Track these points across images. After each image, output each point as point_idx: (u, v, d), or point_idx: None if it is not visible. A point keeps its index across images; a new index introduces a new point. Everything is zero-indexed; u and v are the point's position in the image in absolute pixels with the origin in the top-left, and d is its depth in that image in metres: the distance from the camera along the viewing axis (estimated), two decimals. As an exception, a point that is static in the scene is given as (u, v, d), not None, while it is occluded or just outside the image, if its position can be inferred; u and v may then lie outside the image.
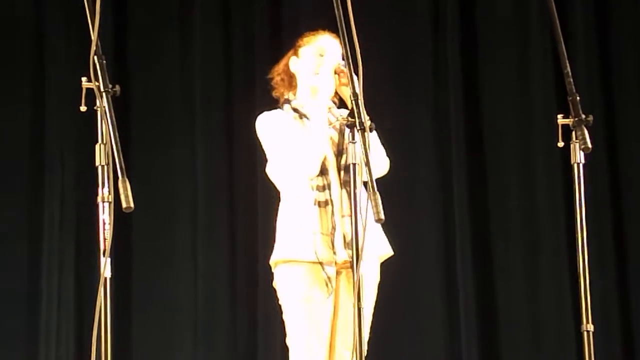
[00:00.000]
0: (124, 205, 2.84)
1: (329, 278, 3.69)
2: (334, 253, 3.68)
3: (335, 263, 3.71)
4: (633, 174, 5.56)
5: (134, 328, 5.50)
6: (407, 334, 5.49)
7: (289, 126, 3.78)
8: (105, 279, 2.89)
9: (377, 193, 3.10)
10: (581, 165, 3.33)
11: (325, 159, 3.73)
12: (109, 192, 2.92)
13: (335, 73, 3.75)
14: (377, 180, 3.53)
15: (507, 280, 5.55)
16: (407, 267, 5.42)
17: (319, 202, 3.70)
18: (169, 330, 5.54)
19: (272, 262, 3.80)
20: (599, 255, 5.32)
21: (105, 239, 2.91)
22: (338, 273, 3.75)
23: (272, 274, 3.80)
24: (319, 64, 3.80)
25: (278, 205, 3.86)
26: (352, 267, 3.61)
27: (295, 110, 3.81)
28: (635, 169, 5.56)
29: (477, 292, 5.51)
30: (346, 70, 3.60)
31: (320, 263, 3.68)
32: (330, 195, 3.70)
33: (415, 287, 5.52)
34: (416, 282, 5.52)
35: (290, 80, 3.89)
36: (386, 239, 3.81)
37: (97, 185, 2.94)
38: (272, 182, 3.89)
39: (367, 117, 3.46)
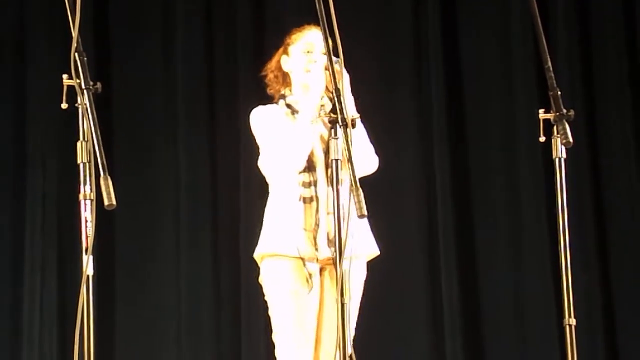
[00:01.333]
0: (106, 202, 2.83)
1: (309, 274, 3.69)
2: (316, 250, 3.69)
3: (317, 260, 3.71)
4: (614, 169, 5.58)
5: (117, 327, 5.49)
6: (391, 330, 5.50)
7: (280, 121, 3.79)
8: (88, 276, 2.88)
9: (360, 189, 3.11)
10: (562, 160, 3.33)
11: (313, 155, 3.74)
12: (91, 189, 2.91)
13: (326, 69, 3.75)
14: (363, 177, 3.56)
15: (491, 275, 5.56)
16: (391, 263, 5.40)
17: (304, 198, 3.71)
18: (152, 329, 5.53)
19: (256, 255, 3.80)
20: (581, 249, 5.34)
21: (87, 237, 2.90)
22: (322, 269, 3.76)
23: (257, 269, 3.79)
24: (308, 61, 3.82)
25: (261, 204, 3.86)
26: (334, 263, 3.65)
27: (288, 106, 3.83)
28: (616, 163, 5.58)
29: (460, 288, 5.52)
30: (338, 67, 3.62)
31: (302, 259, 3.69)
32: (316, 192, 3.71)
33: (398, 283, 5.52)
34: (400, 278, 5.52)
35: (285, 77, 3.91)
36: (373, 239, 3.82)
37: (79, 183, 2.93)
38: (255, 179, 3.89)
39: (352, 113, 3.49)
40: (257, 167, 3.84)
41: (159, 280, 5.56)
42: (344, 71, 3.62)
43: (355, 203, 3.09)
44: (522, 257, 5.55)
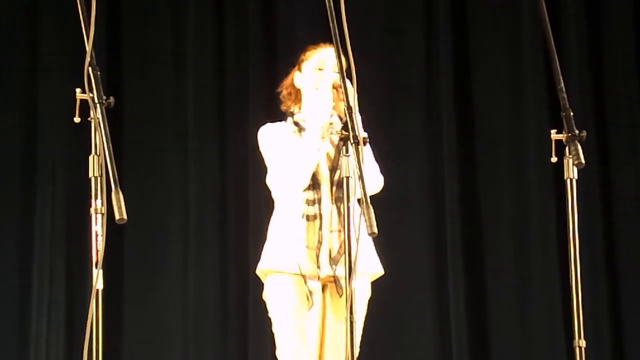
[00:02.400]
0: (117, 217, 2.83)
1: (310, 292, 3.69)
2: (318, 267, 3.68)
3: (319, 277, 3.70)
4: (625, 190, 5.57)
5: (125, 340, 5.49)
6: (398, 348, 5.48)
7: (286, 138, 3.80)
8: (97, 290, 2.87)
9: (371, 207, 3.10)
10: (574, 181, 3.33)
11: (318, 173, 3.74)
12: (102, 203, 2.91)
13: (334, 87, 3.75)
14: (370, 196, 3.55)
15: (499, 294, 5.54)
16: (399, 281, 5.41)
17: (307, 216, 3.71)
18: (160, 343, 5.52)
19: (258, 271, 3.81)
20: (591, 270, 5.33)
21: (97, 251, 2.90)
22: (324, 287, 3.76)
23: (262, 285, 3.79)
24: (318, 79, 3.84)
25: (269, 217, 3.86)
26: (337, 282, 3.64)
27: (296, 123, 3.84)
28: (626, 184, 5.57)
29: (468, 307, 5.51)
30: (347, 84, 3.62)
31: (303, 276, 3.68)
32: (319, 210, 3.71)
33: (406, 302, 5.51)
34: (407, 297, 5.51)
35: (297, 94, 3.93)
36: (377, 259, 3.81)
37: (90, 197, 2.93)
38: (263, 194, 3.90)
39: (362, 131, 3.49)
40: (266, 181, 3.84)
41: (167, 293, 5.55)
42: (350, 87, 3.62)
43: (365, 221, 3.08)
44: (532, 278, 5.53)
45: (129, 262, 5.56)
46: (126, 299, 5.52)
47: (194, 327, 5.50)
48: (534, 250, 5.54)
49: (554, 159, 3.36)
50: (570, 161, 3.31)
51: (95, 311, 2.86)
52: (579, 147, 3.31)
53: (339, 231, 3.68)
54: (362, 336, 3.75)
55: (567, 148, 3.33)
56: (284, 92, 3.96)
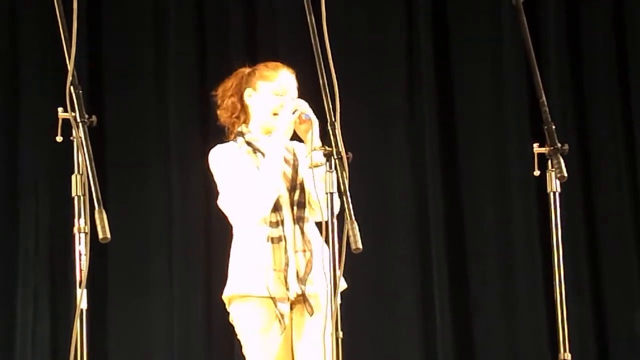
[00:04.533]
0: (100, 236, 2.81)
1: (281, 315, 3.65)
2: (287, 289, 3.65)
3: (288, 299, 3.68)
4: (607, 202, 5.59)
5: (110, 358, 5.46)
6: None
7: (242, 160, 3.72)
8: (82, 310, 2.86)
9: (355, 222, 3.10)
10: (557, 194, 3.33)
11: (278, 195, 3.69)
12: (85, 222, 2.90)
13: (298, 117, 3.69)
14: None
15: (483, 308, 5.55)
16: (383, 291, 5.42)
17: (272, 239, 3.65)
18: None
19: (225, 297, 3.75)
20: (575, 283, 5.34)
21: (81, 270, 2.88)
22: (292, 306, 3.71)
23: (227, 311, 3.76)
24: (279, 105, 3.73)
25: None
26: (306, 300, 3.61)
27: (249, 144, 3.75)
28: (609, 197, 5.59)
29: (453, 321, 5.51)
30: (310, 117, 3.59)
31: (273, 299, 3.64)
32: (283, 232, 3.66)
33: (391, 311, 5.51)
34: (392, 308, 5.51)
35: (242, 109, 3.80)
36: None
37: (73, 216, 2.91)
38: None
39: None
40: (218, 204, 3.78)
41: (151, 311, 5.54)
42: (314, 119, 3.59)
43: (350, 237, 3.07)
44: (516, 290, 5.54)
45: (113, 281, 5.54)
46: (111, 318, 5.50)
47: (179, 344, 5.48)
48: (518, 261, 5.55)
49: (536, 173, 3.36)
50: (553, 174, 3.32)
51: (79, 331, 2.85)
52: (562, 160, 3.32)
53: (304, 251, 3.66)
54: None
55: (549, 161, 3.34)
56: (228, 102, 3.81)
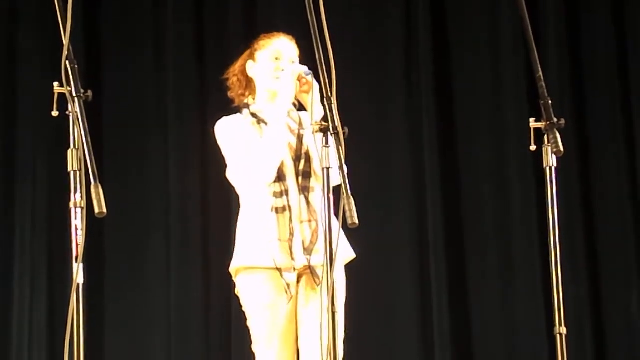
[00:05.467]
0: (96, 210, 2.82)
1: (287, 285, 3.67)
2: (292, 259, 3.66)
3: (294, 269, 3.69)
4: (605, 178, 5.59)
5: (106, 335, 5.48)
6: (381, 346, 5.49)
7: (247, 131, 3.75)
8: (78, 285, 2.87)
9: (351, 197, 3.10)
10: (553, 169, 3.33)
11: (283, 164, 3.70)
12: (82, 197, 2.90)
13: (297, 79, 3.73)
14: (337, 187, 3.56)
15: (481, 285, 5.56)
16: (381, 275, 5.43)
17: (276, 209, 3.67)
18: (142, 337, 5.52)
19: (231, 269, 3.77)
20: (571, 258, 5.34)
21: (77, 245, 2.89)
22: (298, 278, 3.72)
23: (233, 282, 3.78)
24: (277, 68, 3.78)
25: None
26: (313, 271, 3.63)
27: (253, 115, 3.79)
28: (606, 172, 5.59)
29: (450, 298, 5.52)
30: (310, 79, 3.61)
31: (279, 269, 3.66)
32: (288, 202, 3.67)
33: (388, 298, 5.52)
34: (391, 293, 5.52)
35: (248, 83, 3.87)
36: (348, 243, 3.79)
37: (69, 191, 2.92)
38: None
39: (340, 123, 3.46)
40: (227, 176, 3.80)
41: (148, 288, 5.55)
42: (314, 81, 3.61)
43: (347, 212, 3.08)
44: (513, 268, 5.55)
45: (111, 257, 5.55)
46: (107, 294, 5.51)
47: (177, 323, 5.49)
48: (516, 237, 5.55)
49: (532, 148, 3.37)
50: (549, 149, 3.32)
51: (75, 306, 2.85)
52: (558, 135, 3.32)
53: (309, 221, 3.66)
54: (346, 321, 3.74)
55: (545, 136, 3.34)
56: (233, 79, 3.88)
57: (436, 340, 5.47)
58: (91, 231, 2.93)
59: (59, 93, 2.95)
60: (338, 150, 3.16)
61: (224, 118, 3.82)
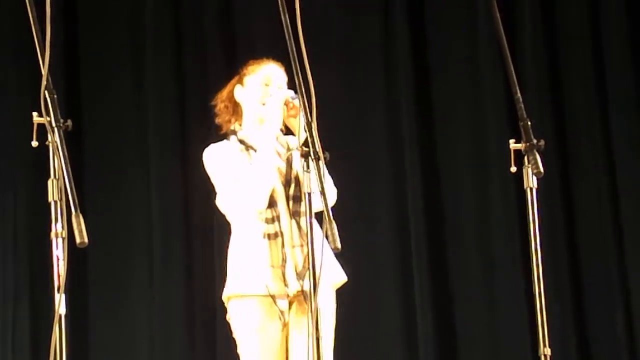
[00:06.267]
0: (77, 240, 2.80)
1: (281, 312, 3.67)
2: (286, 285, 3.66)
3: (287, 296, 3.68)
4: (586, 197, 5.60)
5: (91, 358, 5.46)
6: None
7: (236, 158, 3.75)
8: (60, 316, 2.85)
9: (333, 222, 3.10)
10: (534, 190, 3.34)
11: (273, 190, 3.70)
12: (63, 227, 2.89)
13: (285, 104, 3.74)
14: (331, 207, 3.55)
15: (465, 304, 5.56)
16: (365, 291, 5.42)
17: (268, 235, 3.67)
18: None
19: (224, 297, 3.76)
20: (554, 279, 5.35)
21: (59, 275, 2.87)
22: (289, 304, 3.72)
23: (224, 308, 3.77)
24: (264, 94, 3.79)
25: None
26: (306, 296, 3.62)
27: (241, 142, 3.79)
28: (588, 192, 5.60)
29: (435, 319, 5.51)
30: (297, 103, 3.62)
31: (272, 296, 3.66)
32: (280, 227, 3.67)
33: (372, 312, 5.51)
34: (374, 307, 5.52)
35: (235, 108, 3.87)
36: (339, 266, 3.80)
37: (50, 221, 2.91)
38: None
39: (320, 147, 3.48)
40: (216, 203, 3.79)
41: (132, 316, 5.53)
42: (301, 105, 3.61)
43: (329, 236, 3.08)
44: (496, 287, 5.55)
45: (94, 286, 5.53)
46: (91, 324, 5.49)
47: (160, 351, 5.46)
48: (498, 258, 5.56)
49: (513, 169, 3.38)
50: (530, 170, 3.33)
51: (58, 337, 2.84)
52: (538, 156, 3.33)
53: (301, 245, 3.66)
54: (334, 348, 3.74)
55: (526, 157, 3.36)
56: (221, 105, 3.89)
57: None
58: (73, 260, 2.92)
59: (38, 123, 2.95)
60: (319, 175, 3.16)
61: (212, 145, 3.82)
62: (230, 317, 3.75)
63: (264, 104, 3.77)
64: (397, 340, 5.53)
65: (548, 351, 3.25)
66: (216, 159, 3.77)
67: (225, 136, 3.86)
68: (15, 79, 5.54)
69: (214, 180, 3.78)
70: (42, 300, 5.38)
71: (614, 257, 5.53)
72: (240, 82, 3.87)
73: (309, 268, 3.16)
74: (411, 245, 5.56)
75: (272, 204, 3.68)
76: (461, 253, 5.60)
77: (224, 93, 3.90)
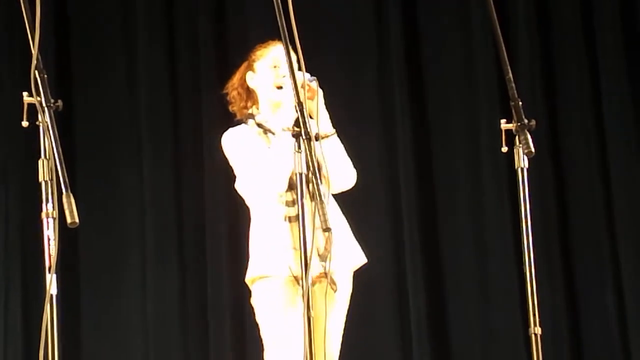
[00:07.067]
0: (68, 220, 2.81)
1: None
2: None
3: (310, 277, 3.68)
4: (577, 177, 5.61)
5: (82, 345, 5.46)
6: (359, 348, 5.49)
7: (255, 142, 3.76)
8: (52, 296, 2.85)
9: (324, 202, 3.10)
10: (525, 170, 3.35)
11: (293, 172, 3.70)
12: (54, 207, 2.89)
13: (301, 87, 3.72)
14: (342, 191, 3.69)
15: (457, 286, 5.57)
16: (356, 274, 5.43)
17: (289, 218, 3.67)
18: (118, 347, 5.49)
19: (248, 279, 3.77)
20: (546, 259, 5.36)
21: (50, 255, 2.88)
22: (312, 285, 3.71)
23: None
24: (276, 76, 3.80)
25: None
26: (327, 277, 3.63)
27: (259, 125, 3.79)
28: (579, 172, 5.61)
29: (427, 302, 5.52)
30: (314, 85, 3.61)
31: (295, 277, 3.65)
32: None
33: (366, 298, 5.51)
34: (367, 294, 5.52)
35: (249, 94, 3.87)
36: (359, 248, 3.80)
37: (41, 202, 2.90)
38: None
39: (328, 129, 3.63)
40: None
41: (124, 298, 5.53)
42: (318, 88, 3.62)
43: (319, 217, 3.08)
44: (489, 268, 5.56)
45: (85, 267, 5.53)
46: (83, 304, 5.49)
47: (154, 331, 5.47)
48: (491, 238, 5.56)
49: (504, 149, 3.38)
50: (521, 150, 3.33)
51: (49, 316, 2.84)
52: (529, 136, 3.34)
53: (297, 222, 3.67)
54: (345, 330, 3.77)
55: (517, 137, 3.36)
56: (233, 93, 3.89)
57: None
58: (65, 240, 2.92)
59: (28, 103, 2.94)
60: (311, 155, 3.16)
61: (230, 129, 3.83)
62: (254, 299, 3.76)
63: (279, 87, 3.77)
64: (389, 317, 5.53)
65: (538, 330, 3.26)
66: (235, 144, 3.78)
67: (241, 122, 3.85)
68: (4, 60, 5.52)
69: (233, 164, 3.79)
70: (33, 281, 5.38)
71: (605, 238, 5.54)
72: (250, 68, 3.87)
73: (300, 245, 3.15)
74: (403, 227, 5.56)
75: (292, 187, 3.66)
76: (453, 235, 5.60)
77: (235, 80, 3.90)
